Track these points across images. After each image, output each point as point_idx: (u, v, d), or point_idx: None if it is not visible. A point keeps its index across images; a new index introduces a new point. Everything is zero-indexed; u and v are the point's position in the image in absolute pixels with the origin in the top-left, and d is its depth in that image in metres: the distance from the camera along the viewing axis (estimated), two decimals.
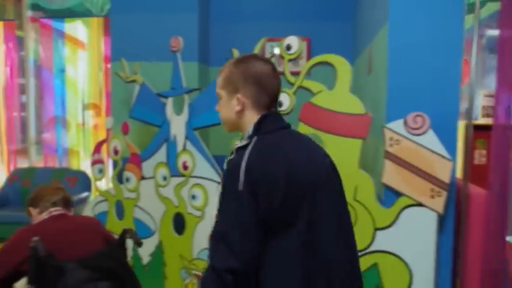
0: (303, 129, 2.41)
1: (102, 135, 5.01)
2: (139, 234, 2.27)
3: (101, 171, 3.37)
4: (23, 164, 5.46)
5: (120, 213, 3.19)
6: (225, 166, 1.38)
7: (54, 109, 5.21)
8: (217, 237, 1.21)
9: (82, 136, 5.15)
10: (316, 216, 1.26)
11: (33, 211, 1.94)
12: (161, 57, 3.56)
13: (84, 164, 5.21)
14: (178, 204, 2.95)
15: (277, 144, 1.29)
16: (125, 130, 3.24)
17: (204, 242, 2.79)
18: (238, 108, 1.35)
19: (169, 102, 3.02)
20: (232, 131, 1.47)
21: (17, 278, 1.80)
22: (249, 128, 1.34)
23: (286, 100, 2.47)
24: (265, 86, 1.34)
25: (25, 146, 5.45)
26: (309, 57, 4.05)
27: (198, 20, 3.90)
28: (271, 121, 1.34)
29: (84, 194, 4.79)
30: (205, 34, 4.14)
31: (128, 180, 3.17)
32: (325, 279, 1.25)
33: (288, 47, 2.48)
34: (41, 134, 5.47)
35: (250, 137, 1.31)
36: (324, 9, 4.18)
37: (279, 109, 2.48)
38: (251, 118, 1.35)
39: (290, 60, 2.50)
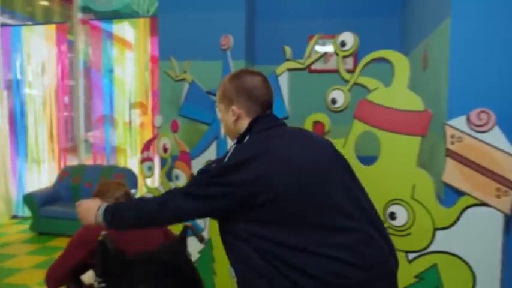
0: (358, 126, 2.37)
1: (148, 134, 5.11)
2: None
3: (150, 168, 3.43)
4: (72, 161, 5.64)
5: None
6: None
7: (102, 108, 5.35)
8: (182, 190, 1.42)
9: (129, 134, 5.26)
10: (327, 202, 1.33)
11: None
12: (209, 56, 3.61)
13: (130, 161, 5.32)
14: None
15: (266, 140, 1.42)
16: (175, 128, 3.28)
17: None
18: (233, 118, 1.52)
19: None
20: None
21: (83, 270, 1.84)
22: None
23: (340, 97, 2.44)
24: (255, 97, 1.51)
25: (74, 145, 5.62)
26: (355, 54, 3.98)
27: (245, 19, 3.92)
28: (262, 122, 1.48)
29: (132, 191, 4.88)
30: (251, 32, 4.15)
31: (177, 177, 3.20)
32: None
33: (343, 44, 2.45)
34: (90, 132, 5.63)
35: (243, 136, 1.48)
36: (370, 5, 4.11)
37: (333, 106, 2.45)
38: (245, 125, 1.50)
39: (344, 56, 2.46)
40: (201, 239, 1.81)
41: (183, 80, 3.26)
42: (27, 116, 5.64)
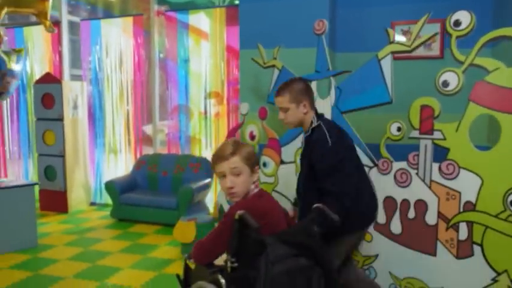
0: (474, 109, 2.27)
1: (223, 123, 5.13)
2: None
3: None
4: (147, 152, 5.78)
5: None
6: (303, 142, 2.36)
7: (177, 98, 5.43)
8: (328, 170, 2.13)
9: (204, 124, 5.31)
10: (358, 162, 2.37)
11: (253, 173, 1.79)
12: (293, 43, 3.55)
13: (205, 151, 5.37)
14: None
15: (332, 123, 2.37)
16: (263, 115, 3.27)
17: None
18: (305, 111, 2.30)
19: (313, 86, 2.98)
20: (294, 128, 2.47)
21: None
22: (311, 120, 2.30)
23: (453, 79, 2.33)
24: (312, 95, 2.36)
25: (149, 135, 5.76)
26: (443, 40, 3.80)
27: (329, 5, 3.83)
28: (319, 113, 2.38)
29: (207, 180, 4.95)
30: (333, 20, 4.06)
31: (265, 165, 3.19)
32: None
33: (456, 23, 2.33)
34: (165, 121, 5.75)
35: (317, 122, 2.27)
36: None
37: (445, 89, 2.36)
38: (310, 115, 2.32)
39: (458, 37, 2.34)
40: (334, 220, 1.75)
41: (272, 66, 3.24)
42: (105, 107, 5.82)
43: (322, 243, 1.70)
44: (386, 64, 2.64)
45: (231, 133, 3.54)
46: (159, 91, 5.56)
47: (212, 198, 5.26)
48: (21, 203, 4.10)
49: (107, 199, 5.87)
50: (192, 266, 2.02)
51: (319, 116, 2.31)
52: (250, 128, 3.33)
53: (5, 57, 3.61)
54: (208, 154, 5.29)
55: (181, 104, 5.40)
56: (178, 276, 2.07)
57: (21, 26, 6.18)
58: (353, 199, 2.11)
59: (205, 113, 5.27)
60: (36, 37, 6.12)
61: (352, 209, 2.09)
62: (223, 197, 3.55)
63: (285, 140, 3.12)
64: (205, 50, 5.18)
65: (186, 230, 3.77)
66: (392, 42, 2.61)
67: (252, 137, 3.31)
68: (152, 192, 5.15)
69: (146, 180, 5.32)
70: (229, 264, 1.64)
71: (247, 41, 3.84)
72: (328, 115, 2.92)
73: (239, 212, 1.59)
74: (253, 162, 1.78)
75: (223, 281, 1.65)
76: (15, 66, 3.72)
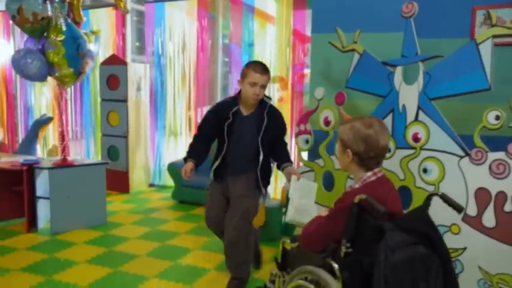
0: None
1: (287, 108, 5.07)
2: None
3: (307, 141, 3.39)
4: None
5: (328, 184, 3.22)
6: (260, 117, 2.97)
7: None
8: None
9: None
10: None
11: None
12: (375, 27, 3.44)
13: None
14: (404, 177, 2.83)
15: None
16: (340, 100, 3.20)
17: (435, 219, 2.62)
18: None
19: (398, 71, 2.88)
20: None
21: None
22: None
23: None
24: None
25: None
26: None
27: None
28: None
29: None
30: None
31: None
32: None
33: None
34: None
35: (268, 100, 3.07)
36: None
37: None
38: None
39: None
40: (459, 209, 1.67)
41: (352, 51, 3.15)
42: (166, 90, 5.87)
43: (439, 232, 1.63)
44: (486, 49, 2.48)
45: (303, 119, 3.48)
46: (221, 75, 5.55)
47: (272, 184, 5.23)
48: (92, 181, 4.21)
49: (166, 181, 5.97)
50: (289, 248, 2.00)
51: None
52: (325, 114, 3.27)
53: (86, 38, 3.69)
54: None
55: None
56: (276, 259, 2.06)
57: (87, 9, 6.32)
58: None
59: (269, 97, 5.21)
60: (101, 20, 6.24)
61: None
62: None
63: None
64: (270, 34, 5.11)
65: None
66: (495, 25, 2.45)
67: (327, 123, 3.25)
68: None
69: (206, 163, 5.33)
70: (343, 249, 1.59)
71: (321, 24, 3.75)
72: (415, 101, 2.82)
73: (361, 196, 1.54)
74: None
75: (336, 266, 1.60)
76: (93, 47, 3.79)
